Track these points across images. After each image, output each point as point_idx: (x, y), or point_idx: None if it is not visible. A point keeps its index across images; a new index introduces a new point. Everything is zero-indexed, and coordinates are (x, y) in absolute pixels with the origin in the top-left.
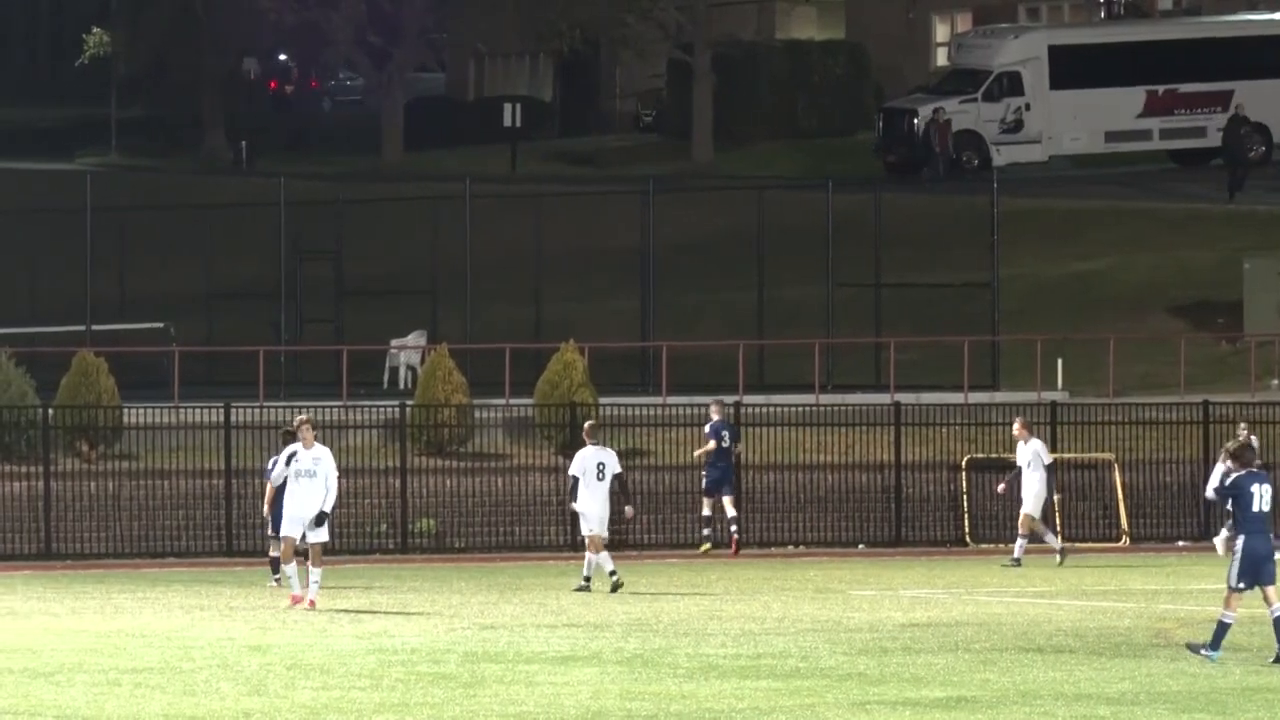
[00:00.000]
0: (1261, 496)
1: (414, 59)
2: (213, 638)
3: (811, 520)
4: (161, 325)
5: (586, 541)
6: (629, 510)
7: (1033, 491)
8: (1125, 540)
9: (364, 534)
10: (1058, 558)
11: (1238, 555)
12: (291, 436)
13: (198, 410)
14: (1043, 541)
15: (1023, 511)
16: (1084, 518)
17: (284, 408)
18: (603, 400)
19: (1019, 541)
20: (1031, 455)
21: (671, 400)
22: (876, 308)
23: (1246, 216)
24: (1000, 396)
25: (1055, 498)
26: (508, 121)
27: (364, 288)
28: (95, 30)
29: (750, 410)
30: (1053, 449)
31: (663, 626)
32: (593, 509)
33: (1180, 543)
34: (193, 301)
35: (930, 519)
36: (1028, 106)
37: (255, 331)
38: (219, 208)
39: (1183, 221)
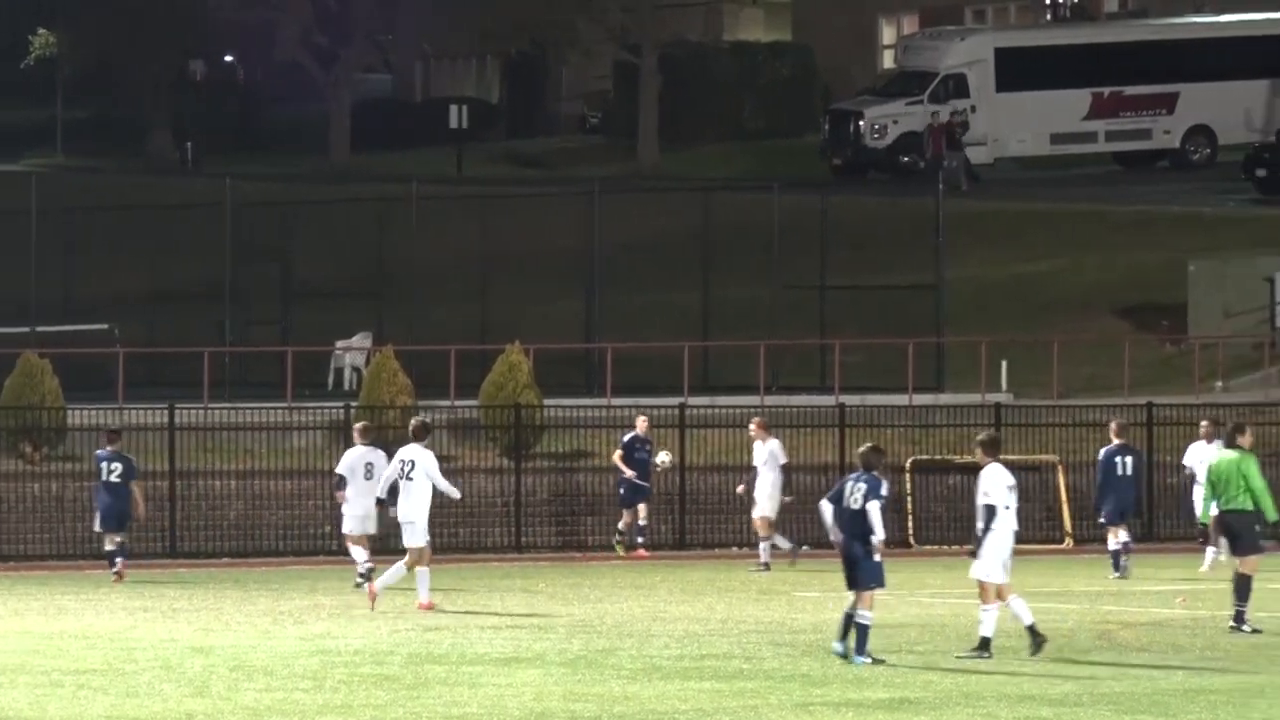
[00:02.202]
0: None
1: (361, 60)
2: (156, 639)
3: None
4: (106, 326)
5: (348, 539)
6: (392, 511)
7: (765, 494)
8: (1069, 542)
9: (308, 536)
10: (789, 560)
11: None
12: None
13: (142, 411)
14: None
15: (758, 514)
16: (1028, 519)
17: (229, 409)
18: (548, 402)
19: (762, 545)
20: (768, 455)
21: (616, 402)
22: (822, 309)
23: (1191, 219)
24: (945, 398)
25: (786, 499)
26: (454, 123)
27: (309, 289)
28: (41, 31)
29: (695, 412)
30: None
31: (606, 628)
32: (356, 509)
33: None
34: (138, 303)
35: None
36: (974, 109)
37: (200, 332)
38: (165, 209)
39: (1128, 224)
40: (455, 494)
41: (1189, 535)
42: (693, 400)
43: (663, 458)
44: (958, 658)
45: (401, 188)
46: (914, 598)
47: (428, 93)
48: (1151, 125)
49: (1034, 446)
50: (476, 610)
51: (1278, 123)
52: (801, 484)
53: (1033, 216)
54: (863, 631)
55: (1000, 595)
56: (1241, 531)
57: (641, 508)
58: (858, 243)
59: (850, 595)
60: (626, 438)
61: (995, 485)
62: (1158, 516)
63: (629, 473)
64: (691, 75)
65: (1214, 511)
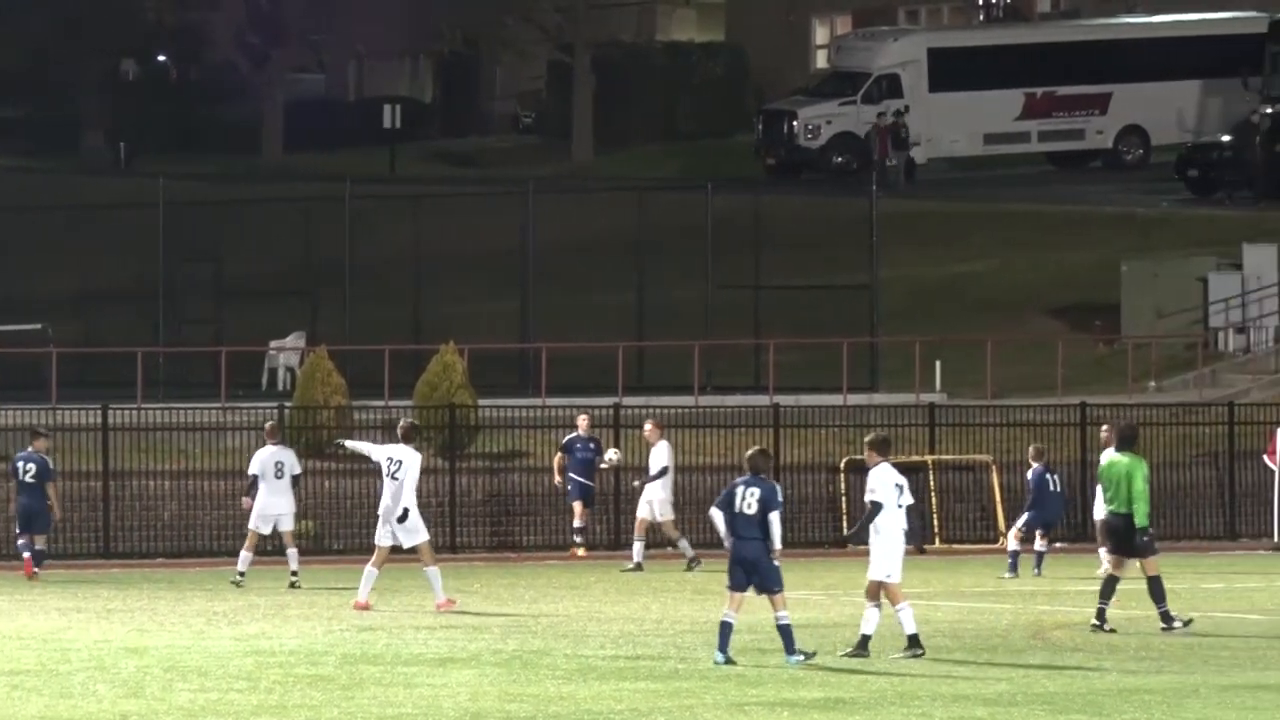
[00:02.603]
0: None
1: (294, 60)
2: (90, 640)
3: (690, 522)
4: (39, 326)
5: (250, 540)
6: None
7: (659, 497)
8: (1003, 541)
9: (243, 536)
10: (689, 562)
11: None
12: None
13: (75, 412)
14: (676, 546)
15: (662, 517)
16: (962, 519)
17: (163, 409)
18: (482, 402)
19: (682, 544)
20: (664, 456)
21: (551, 402)
22: (756, 309)
23: (1124, 219)
24: (879, 398)
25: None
26: (388, 122)
27: (243, 289)
28: None
29: (629, 412)
30: (930, 450)
31: (541, 628)
32: (265, 508)
33: (1057, 544)
34: (70, 302)
35: (809, 520)
36: (907, 109)
37: (134, 332)
38: (98, 208)
39: (1061, 224)
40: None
41: None
42: (627, 400)
43: (611, 455)
44: (891, 659)
45: (335, 187)
46: (848, 597)
47: (361, 92)
48: (1084, 125)
49: (968, 446)
50: (411, 611)
51: (1210, 123)
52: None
53: (966, 217)
54: (787, 632)
55: (871, 593)
56: (1130, 535)
57: (584, 509)
58: (792, 243)
59: (727, 602)
60: (568, 437)
61: (881, 483)
62: (1091, 516)
63: (559, 479)
64: (625, 75)
65: (1101, 514)
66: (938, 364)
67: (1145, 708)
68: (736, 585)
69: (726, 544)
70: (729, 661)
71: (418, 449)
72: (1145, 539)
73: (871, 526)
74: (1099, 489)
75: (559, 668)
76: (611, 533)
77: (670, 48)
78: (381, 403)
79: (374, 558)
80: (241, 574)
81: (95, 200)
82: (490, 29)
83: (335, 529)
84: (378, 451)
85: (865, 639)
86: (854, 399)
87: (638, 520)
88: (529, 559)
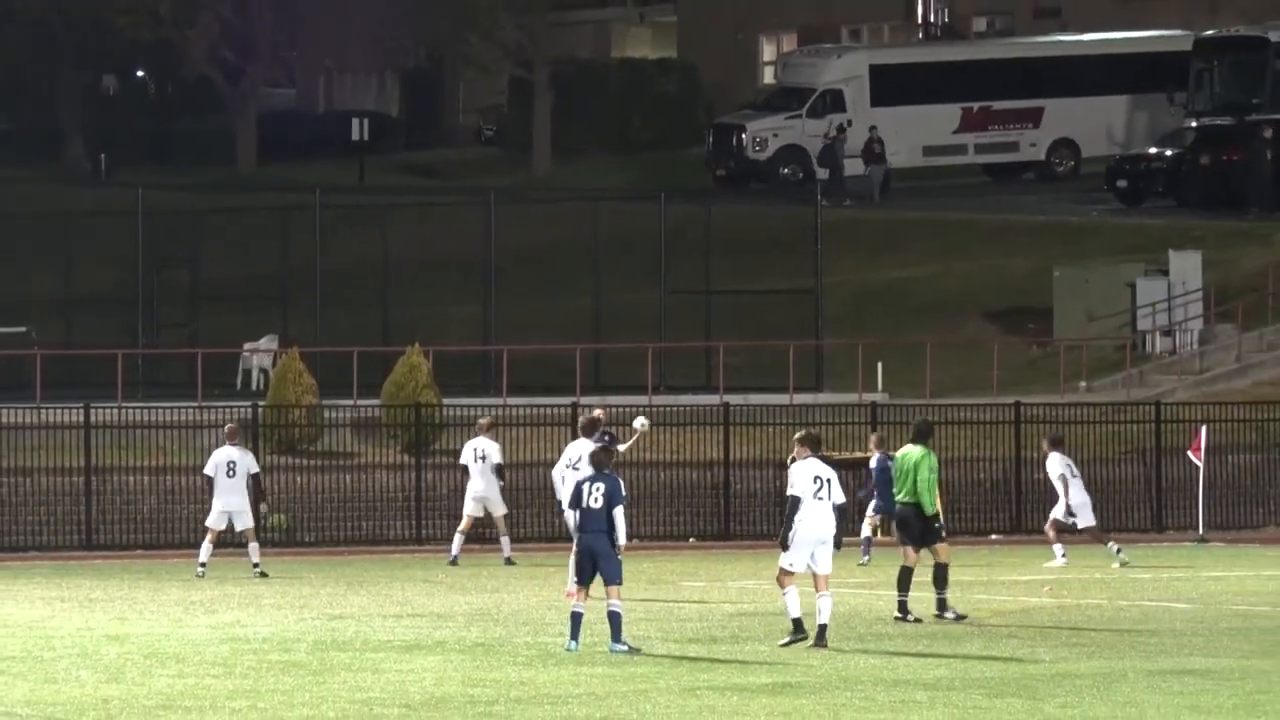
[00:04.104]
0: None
1: (267, 75)
2: (73, 628)
3: (645, 515)
4: (24, 329)
5: (211, 535)
6: (263, 508)
7: (493, 494)
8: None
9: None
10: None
11: None
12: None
13: (58, 411)
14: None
15: (496, 513)
16: None
17: (142, 408)
18: (446, 401)
19: (458, 539)
20: (490, 451)
21: (512, 401)
22: (707, 313)
23: (1056, 228)
24: (824, 398)
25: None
26: (356, 135)
27: (218, 293)
28: None
29: (586, 411)
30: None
31: (503, 616)
32: (218, 504)
33: (993, 536)
34: (54, 306)
35: (757, 514)
36: (850, 123)
37: (114, 335)
38: (79, 216)
39: (997, 232)
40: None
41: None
42: (584, 399)
43: (640, 423)
44: (779, 645)
45: (306, 197)
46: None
47: (330, 106)
48: (1018, 138)
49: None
50: (379, 600)
51: (1138, 136)
52: (688, 480)
53: (906, 225)
54: (617, 620)
55: (780, 581)
56: (922, 524)
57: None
58: (741, 250)
59: (573, 594)
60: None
61: (800, 478)
62: (1025, 511)
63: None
64: (582, 90)
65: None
66: (879, 365)
67: (1076, 691)
68: (581, 578)
69: (575, 539)
70: (633, 649)
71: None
72: (936, 526)
73: (795, 518)
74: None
75: (520, 654)
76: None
77: (625, 64)
78: (350, 402)
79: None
80: (203, 564)
81: (77, 209)
82: (454, 46)
83: (306, 522)
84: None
85: (797, 622)
86: (800, 398)
87: (497, 516)
88: (492, 551)
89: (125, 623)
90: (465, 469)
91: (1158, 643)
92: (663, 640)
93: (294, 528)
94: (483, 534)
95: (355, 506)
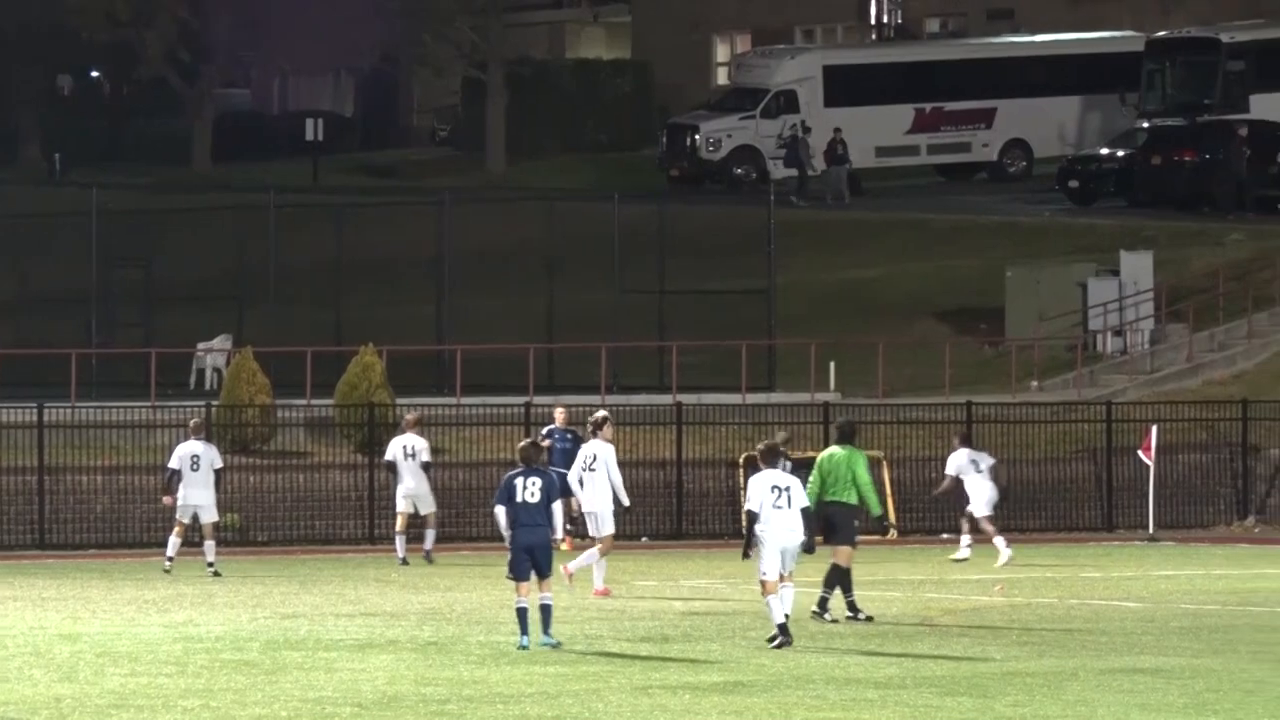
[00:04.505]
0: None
1: (222, 76)
2: (26, 627)
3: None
4: None
5: (177, 529)
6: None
7: (426, 490)
8: (893, 533)
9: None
10: (423, 558)
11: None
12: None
13: (12, 410)
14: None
15: (425, 510)
16: None
17: (95, 408)
18: (400, 400)
19: (428, 534)
20: (419, 448)
21: (465, 401)
22: (660, 313)
23: (1008, 228)
24: (776, 397)
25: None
26: (311, 135)
27: (172, 293)
28: None
29: (539, 410)
30: (826, 447)
31: (456, 615)
32: (186, 499)
33: (944, 535)
34: (7, 306)
35: (710, 513)
36: (803, 123)
37: (68, 335)
38: (34, 217)
39: (949, 232)
40: (625, 500)
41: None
42: (538, 399)
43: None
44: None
45: (261, 197)
46: (749, 585)
47: (285, 106)
48: (971, 139)
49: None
50: (332, 599)
51: (1090, 137)
52: (641, 479)
53: (859, 225)
54: (549, 612)
55: (763, 589)
56: (840, 524)
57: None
58: (694, 250)
59: (523, 592)
60: (545, 429)
61: (756, 491)
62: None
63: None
64: (537, 91)
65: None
66: (832, 365)
67: (1028, 690)
68: (522, 574)
69: (506, 537)
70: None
71: (609, 440)
72: (854, 531)
73: (757, 530)
74: (810, 481)
75: (472, 653)
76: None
77: (580, 65)
78: (304, 401)
79: (604, 546)
80: (170, 559)
81: (31, 209)
82: (409, 47)
83: (259, 521)
84: (582, 451)
85: (782, 627)
86: (752, 398)
87: (411, 515)
88: (444, 549)
89: (78, 622)
90: (392, 465)
91: (1108, 641)
92: (615, 639)
93: (247, 527)
94: (436, 533)
95: (309, 506)
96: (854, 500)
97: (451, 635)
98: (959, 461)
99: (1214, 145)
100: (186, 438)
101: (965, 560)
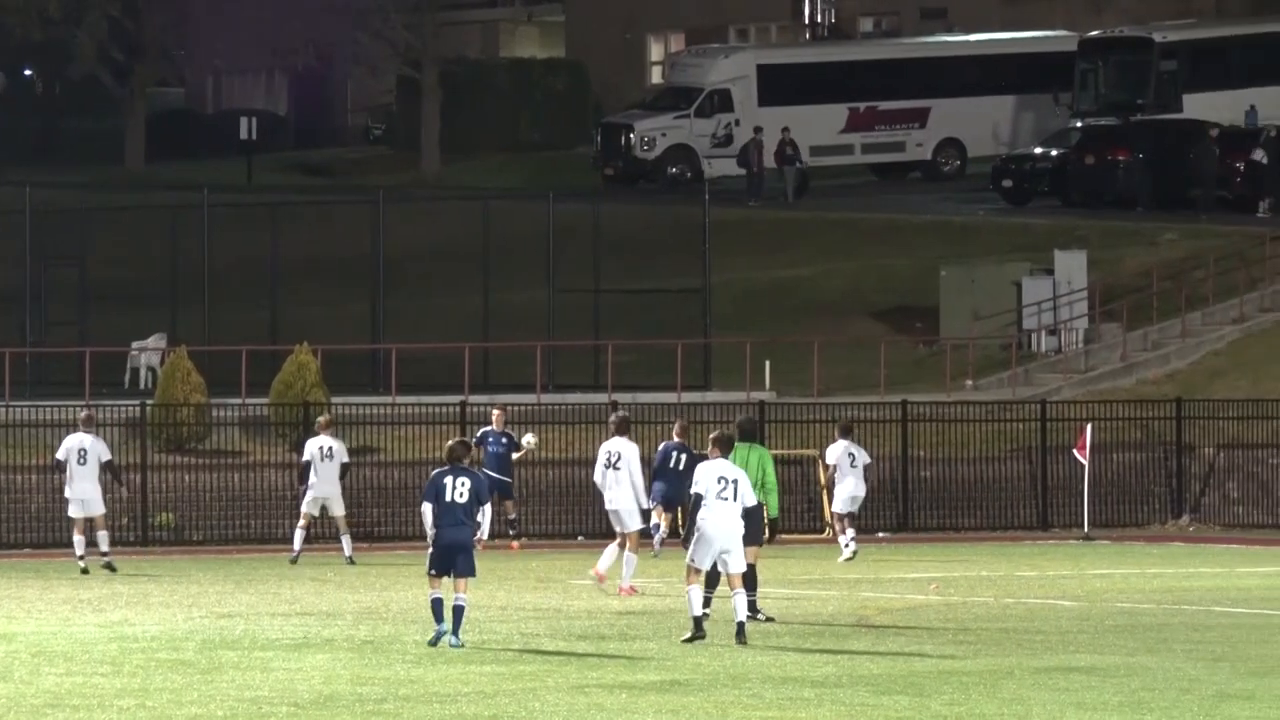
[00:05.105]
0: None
1: (155, 74)
2: None
3: (534, 513)
4: None
5: (76, 527)
6: (124, 492)
7: (335, 492)
8: (829, 532)
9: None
10: (347, 559)
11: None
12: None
13: None
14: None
15: (336, 513)
16: (790, 511)
17: (29, 407)
18: (335, 399)
19: (345, 539)
20: (336, 449)
21: (400, 400)
22: (595, 312)
23: (942, 227)
24: (712, 396)
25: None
26: (244, 134)
27: (106, 292)
28: None
29: (475, 409)
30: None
31: (392, 615)
32: (75, 492)
33: (880, 534)
34: None
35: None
36: (737, 122)
37: (1, 334)
38: None
39: (882, 231)
40: (644, 501)
41: (941, 525)
42: (473, 398)
43: (528, 440)
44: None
45: (194, 195)
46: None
47: (219, 105)
48: (905, 138)
49: (795, 442)
50: (267, 598)
51: (1023, 136)
52: (576, 478)
53: (793, 224)
54: (462, 614)
55: (687, 578)
56: (748, 524)
57: (508, 503)
58: (629, 249)
59: (439, 585)
60: (480, 431)
61: (703, 477)
62: (912, 508)
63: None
64: (471, 90)
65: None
66: (767, 364)
67: (963, 688)
68: (442, 570)
69: (430, 534)
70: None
71: (632, 439)
72: (761, 531)
73: (698, 519)
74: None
75: (409, 653)
76: (543, 523)
77: (514, 64)
78: (239, 400)
79: (632, 543)
80: (81, 557)
81: None
82: (342, 45)
83: (194, 521)
84: (603, 450)
85: (697, 620)
86: (688, 397)
87: (306, 512)
88: (380, 548)
89: (13, 621)
90: (307, 466)
91: (1044, 640)
92: (551, 638)
93: (182, 526)
94: (372, 532)
95: (243, 505)
96: (760, 499)
97: (387, 635)
98: (836, 452)
99: (1145, 145)
100: (76, 429)
101: (852, 559)
